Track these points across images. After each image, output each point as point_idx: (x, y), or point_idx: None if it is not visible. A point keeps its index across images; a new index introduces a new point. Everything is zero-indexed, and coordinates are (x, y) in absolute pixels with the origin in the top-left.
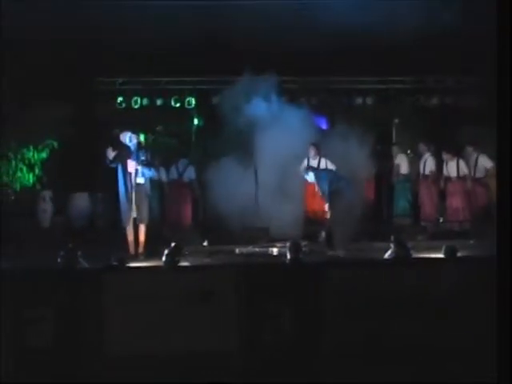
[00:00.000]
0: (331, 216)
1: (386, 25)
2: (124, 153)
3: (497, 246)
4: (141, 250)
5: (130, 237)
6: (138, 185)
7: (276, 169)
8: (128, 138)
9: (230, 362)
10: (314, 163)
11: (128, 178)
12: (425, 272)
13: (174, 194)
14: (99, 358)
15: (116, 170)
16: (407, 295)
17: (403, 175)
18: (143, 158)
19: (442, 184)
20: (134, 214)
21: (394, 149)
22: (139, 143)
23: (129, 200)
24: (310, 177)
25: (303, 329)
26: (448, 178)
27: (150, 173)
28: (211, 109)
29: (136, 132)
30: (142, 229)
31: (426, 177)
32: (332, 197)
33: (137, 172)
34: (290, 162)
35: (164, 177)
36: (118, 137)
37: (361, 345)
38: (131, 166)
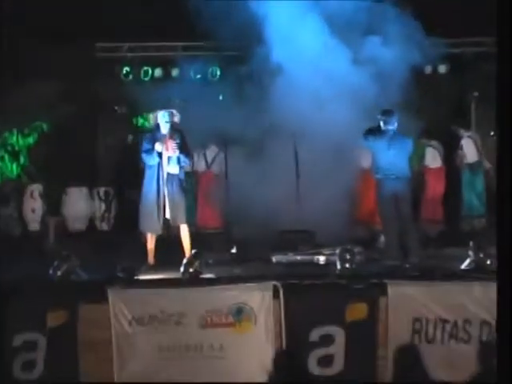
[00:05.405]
0: (393, 214)
1: None
2: (157, 137)
3: (497, 246)
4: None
5: (151, 244)
6: (171, 176)
7: (323, 153)
8: (163, 117)
9: None
10: (380, 142)
11: (160, 168)
12: None
13: (196, 187)
14: None
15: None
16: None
17: (481, 163)
18: (178, 142)
19: None
20: (166, 214)
21: (471, 129)
22: (174, 124)
23: (160, 195)
24: (371, 160)
25: (356, 359)
26: None
27: (186, 161)
28: (241, 81)
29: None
30: (185, 230)
31: None
32: (396, 188)
33: (170, 160)
34: (340, 145)
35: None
36: (154, 117)
37: None
38: (166, 152)
